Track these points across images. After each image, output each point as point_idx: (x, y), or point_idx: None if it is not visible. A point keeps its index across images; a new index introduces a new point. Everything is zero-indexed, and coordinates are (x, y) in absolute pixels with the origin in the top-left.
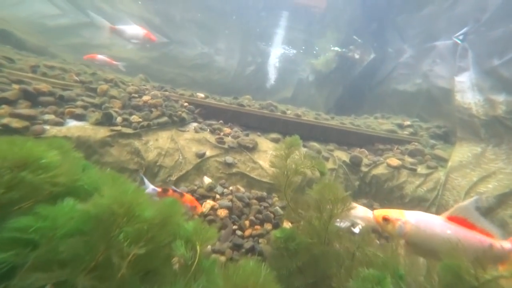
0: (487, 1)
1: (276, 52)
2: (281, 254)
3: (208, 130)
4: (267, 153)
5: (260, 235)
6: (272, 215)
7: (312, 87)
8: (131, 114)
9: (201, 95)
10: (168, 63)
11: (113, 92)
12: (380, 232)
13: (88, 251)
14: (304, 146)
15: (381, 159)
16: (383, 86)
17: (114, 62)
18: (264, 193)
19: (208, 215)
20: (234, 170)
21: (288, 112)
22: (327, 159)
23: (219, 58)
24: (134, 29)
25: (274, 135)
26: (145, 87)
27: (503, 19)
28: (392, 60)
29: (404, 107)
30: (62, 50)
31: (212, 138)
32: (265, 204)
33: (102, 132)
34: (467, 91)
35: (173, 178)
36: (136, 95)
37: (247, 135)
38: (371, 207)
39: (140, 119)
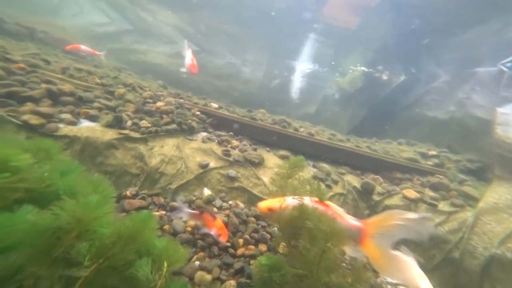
0: None
1: (303, 67)
2: (268, 282)
3: (216, 141)
4: (273, 170)
5: (253, 256)
6: (268, 236)
7: (337, 105)
8: (141, 118)
9: (215, 105)
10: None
11: (129, 96)
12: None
13: (20, 269)
14: (314, 167)
15: (397, 189)
16: (411, 111)
17: (97, 53)
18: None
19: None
20: (236, 184)
21: (301, 129)
22: (336, 182)
23: (246, 69)
24: (187, 57)
25: (283, 152)
26: (161, 93)
27: None
28: (424, 84)
29: (433, 135)
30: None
31: (218, 150)
32: (263, 224)
33: (110, 135)
34: (511, 124)
35: (173, 186)
36: (151, 101)
37: (255, 149)
38: None
39: (149, 125)
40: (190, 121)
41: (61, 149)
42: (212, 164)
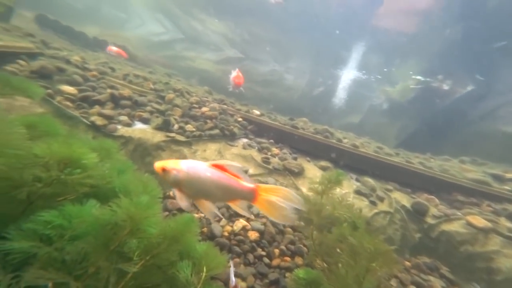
0: None
1: (349, 76)
2: None
3: (256, 148)
4: (312, 181)
5: (288, 269)
6: (305, 249)
7: (384, 116)
8: (187, 123)
9: (257, 112)
10: None
11: (178, 101)
12: None
13: (86, 257)
14: (357, 180)
15: (459, 213)
16: (480, 125)
17: (126, 56)
18: (302, 223)
19: (238, 234)
20: None
21: (345, 140)
22: (381, 199)
23: (289, 76)
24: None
25: (324, 163)
26: (206, 99)
27: None
28: (500, 96)
29: (507, 154)
30: (157, 61)
31: (258, 157)
32: (301, 236)
33: (159, 137)
34: None
35: None
36: (196, 106)
37: (295, 158)
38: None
39: (194, 129)
40: (232, 127)
41: (118, 149)
42: (251, 170)
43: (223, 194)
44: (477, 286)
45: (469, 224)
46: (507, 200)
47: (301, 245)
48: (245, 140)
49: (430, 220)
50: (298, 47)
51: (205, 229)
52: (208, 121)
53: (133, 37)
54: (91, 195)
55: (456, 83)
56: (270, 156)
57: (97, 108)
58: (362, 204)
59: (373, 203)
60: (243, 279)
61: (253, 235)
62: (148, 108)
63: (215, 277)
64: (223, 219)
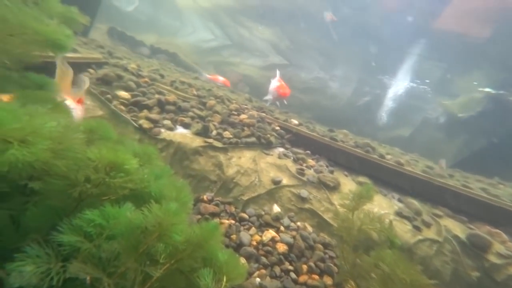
0: None
1: (401, 85)
2: None
3: (292, 158)
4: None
5: None
6: (335, 269)
7: (441, 131)
8: (225, 129)
9: (295, 121)
10: None
11: (218, 107)
12: None
13: (118, 257)
14: (400, 201)
15: None
16: None
17: (229, 85)
18: (334, 241)
19: (267, 245)
20: (307, 206)
21: (388, 157)
22: (428, 225)
23: (333, 84)
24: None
25: (362, 179)
26: (245, 106)
27: None
28: None
29: None
30: (205, 66)
31: (293, 167)
32: (331, 254)
33: (197, 142)
34: None
35: (245, 197)
36: (235, 113)
37: (331, 172)
38: None
39: (231, 136)
40: (269, 135)
41: (158, 154)
42: (285, 181)
43: None
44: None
45: None
46: None
47: (332, 264)
48: (281, 149)
49: (494, 259)
50: (345, 54)
51: (234, 236)
52: (246, 128)
53: (184, 43)
54: (129, 197)
55: None
56: (305, 168)
57: (145, 112)
58: (403, 227)
59: (417, 228)
60: None
61: (282, 247)
62: (190, 113)
63: (241, 286)
64: (253, 228)
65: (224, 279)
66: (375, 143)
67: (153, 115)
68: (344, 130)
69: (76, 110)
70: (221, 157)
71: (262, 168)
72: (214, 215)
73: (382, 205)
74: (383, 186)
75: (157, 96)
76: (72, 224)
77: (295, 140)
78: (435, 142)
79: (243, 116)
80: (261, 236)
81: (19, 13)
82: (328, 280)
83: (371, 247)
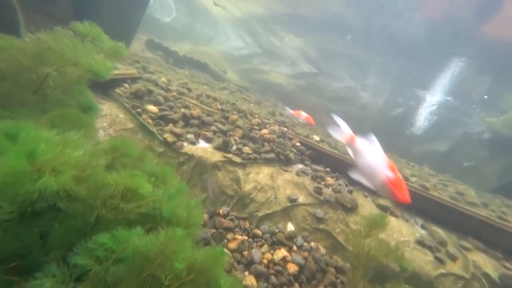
0: None
1: (438, 97)
2: None
3: (310, 175)
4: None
5: None
6: None
7: (484, 149)
8: (245, 144)
9: (316, 137)
10: (311, 92)
11: (240, 122)
12: None
13: (123, 280)
14: (423, 228)
15: None
16: None
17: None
18: (347, 265)
19: (277, 264)
20: (322, 226)
21: (413, 179)
22: (453, 258)
23: (364, 94)
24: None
25: (383, 201)
26: (267, 121)
27: None
28: None
29: None
30: (235, 74)
31: (310, 185)
32: (343, 279)
33: (217, 156)
34: None
35: (260, 214)
36: (257, 128)
37: (350, 192)
38: None
39: (250, 151)
40: (288, 151)
41: (175, 173)
42: (301, 199)
43: None
44: None
45: None
46: None
47: None
48: (300, 166)
49: None
50: (378, 64)
51: (245, 253)
52: (266, 144)
53: (216, 51)
54: (141, 219)
55: None
56: (323, 186)
57: (170, 126)
58: (424, 258)
59: (439, 260)
60: None
61: (292, 268)
62: (213, 127)
63: None
64: (265, 245)
65: None
66: (402, 161)
67: (178, 129)
68: None
69: None
70: (239, 172)
71: (279, 185)
72: (228, 229)
73: (402, 232)
74: (406, 210)
75: (183, 110)
76: (87, 246)
77: (316, 156)
78: (477, 160)
79: (264, 131)
80: (272, 255)
81: (73, 49)
82: None
83: (387, 277)
